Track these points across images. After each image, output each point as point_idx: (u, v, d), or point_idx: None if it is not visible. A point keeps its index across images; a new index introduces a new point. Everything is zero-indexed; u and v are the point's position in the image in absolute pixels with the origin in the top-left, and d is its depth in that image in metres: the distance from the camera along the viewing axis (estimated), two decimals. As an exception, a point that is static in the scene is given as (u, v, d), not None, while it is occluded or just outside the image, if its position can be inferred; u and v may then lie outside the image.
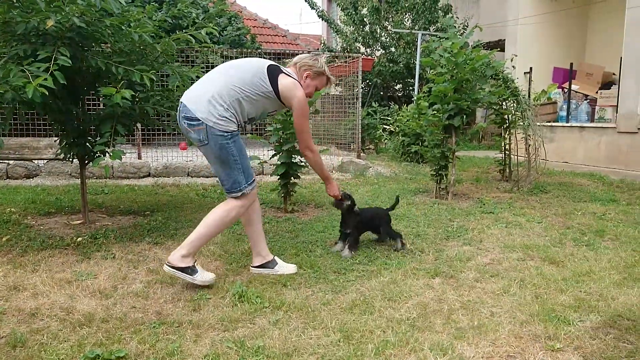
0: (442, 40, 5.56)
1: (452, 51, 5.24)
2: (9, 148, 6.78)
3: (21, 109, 3.81)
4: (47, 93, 2.95)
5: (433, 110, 5.51)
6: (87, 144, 4.10)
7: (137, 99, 3.92)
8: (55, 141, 4.41)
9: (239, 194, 2.92)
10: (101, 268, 3.18)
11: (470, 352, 2.18)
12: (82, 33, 3.48)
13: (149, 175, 7.04)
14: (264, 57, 10.62)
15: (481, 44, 5.85)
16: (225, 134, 2.85)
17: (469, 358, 2.13)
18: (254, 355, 2.12)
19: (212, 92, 2.86)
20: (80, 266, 3.21)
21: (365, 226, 3.70)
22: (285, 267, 3.17)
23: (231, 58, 8.31)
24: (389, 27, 13.35)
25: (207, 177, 7.16)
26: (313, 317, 2.50)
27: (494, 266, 3.32)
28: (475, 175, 7.35)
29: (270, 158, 4.95)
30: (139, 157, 7.37)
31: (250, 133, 5.18)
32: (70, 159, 4.21)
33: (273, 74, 2.97)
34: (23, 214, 4.54)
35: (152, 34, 3.86)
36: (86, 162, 4.21)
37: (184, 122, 2.89)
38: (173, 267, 2.84)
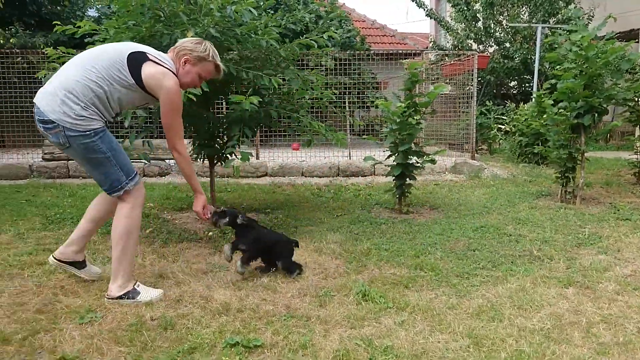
0: (568, 33, 5.18)
1: (581, 44, 4.87)
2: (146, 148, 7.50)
3: None
4: (194, 99, 3.25)
5: (559, 109, 5.16)
6: (216, 145, 4.41)
7: (263, 104, 4.14)
8: (189, 143, 4.80)
9: (121, 191, 2.68)
10: (232, 261, 3.39)
11: (617, 369, 2.02)
12: (215, 42, 3.75)
13: (266, 174, 7.39)
14: (373, 58, 10.48)
15: (615, 35, 5.37)
16: (87, 132, 2.55)
17: (616, 376, 1.98)
18: (383, 354, 2.14)
19: (65, 89, 2.53)
20: (213, 258, 3.47)
21: (264, 251, 3.17)
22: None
23: (342, 60, 8.46)
24: (504, 22, 12.71)
25: (321, 177, 7.35)
26: (439, 320, 2.47)
27: (637, 278, 3.03)
28: (604, 178, 6.76)
29: (386, 159, 4.95)
30: (257, 158, 7.77)
31: (366, 134, 5.22)
32: (202, 159, 4.55)
33: (134, 62, 2.62)
34: (160, 209, 4.99)
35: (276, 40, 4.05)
36: (215, 162, 4.53)
37: (40, 126, 2.58)
38: (113, 299, 2.68)
